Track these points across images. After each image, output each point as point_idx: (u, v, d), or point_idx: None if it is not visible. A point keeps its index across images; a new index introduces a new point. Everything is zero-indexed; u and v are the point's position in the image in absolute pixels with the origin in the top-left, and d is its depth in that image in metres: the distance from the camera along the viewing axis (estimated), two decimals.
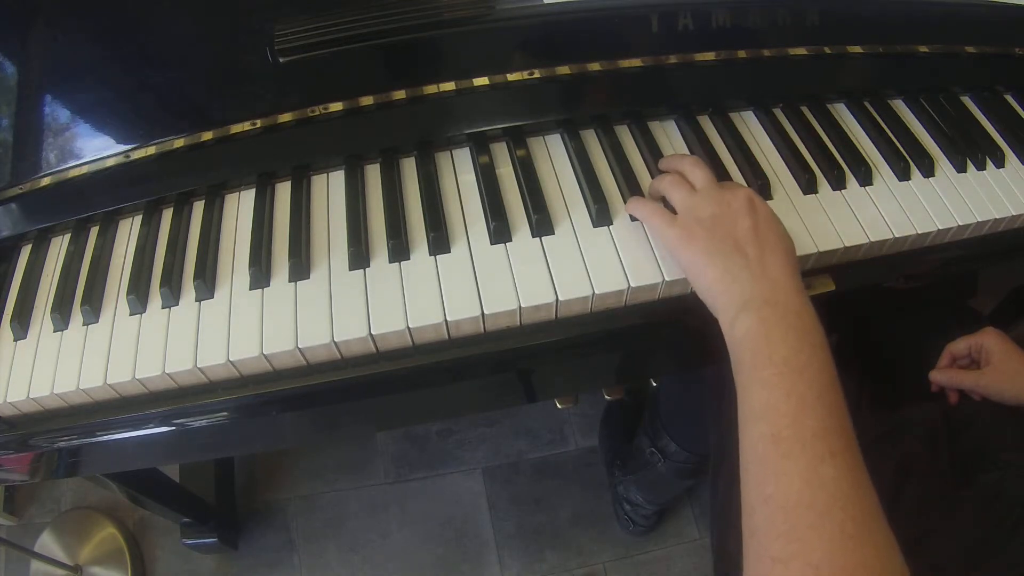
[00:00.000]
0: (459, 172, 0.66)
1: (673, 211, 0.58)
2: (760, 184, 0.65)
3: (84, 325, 0.60)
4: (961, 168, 0.70)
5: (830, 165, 0.67)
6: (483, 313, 0.57)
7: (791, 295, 0.51)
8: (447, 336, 0.59)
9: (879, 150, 0.71)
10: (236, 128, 0.63)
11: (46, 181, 0.64)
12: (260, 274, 0.59)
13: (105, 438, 0.60)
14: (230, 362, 0.56)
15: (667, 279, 0.59)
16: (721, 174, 0.65)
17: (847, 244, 0.62)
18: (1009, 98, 0.79)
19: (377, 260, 0.60)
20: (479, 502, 1.41)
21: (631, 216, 0.62)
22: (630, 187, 0.64)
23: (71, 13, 0.64)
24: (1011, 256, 0.72)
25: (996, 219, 0.67)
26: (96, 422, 0.59)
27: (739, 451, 0.47)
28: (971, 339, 0.76)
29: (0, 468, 0.66)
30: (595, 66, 0.67)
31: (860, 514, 0.42)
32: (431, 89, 0.65)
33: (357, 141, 0.66)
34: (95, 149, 0.63)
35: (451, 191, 0.65)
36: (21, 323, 0.60)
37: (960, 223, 0.66)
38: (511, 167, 0.66)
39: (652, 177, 0.66)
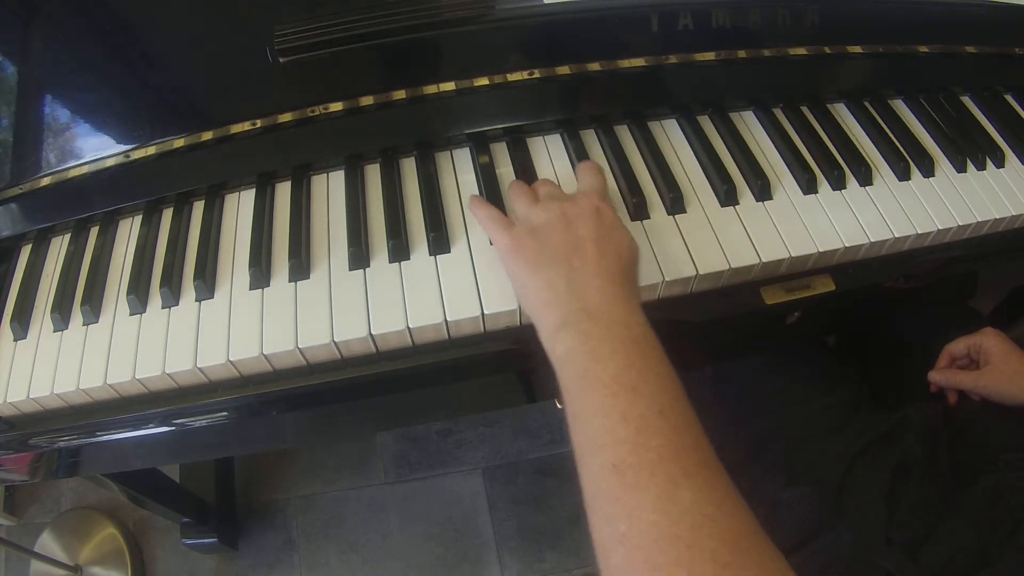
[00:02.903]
0: (459, 172, 0.66)
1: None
2: (760, 184, 0.65)
3: (84, 325, 0.60)
4: (961, 168, 0.70)
5: (830, 165, 0.67)
6: (483, 313, 0.57)
7: (618, 304, 0.46)
8: (447, 336, 0.59)
9: (879, 150, 0.70)
10: (236, 128, 0.63)
11: (46, 181, 0.64)
12: (260, 274, 0.59)
13: (105, 438, 0.60)
14: (230, 362, 0.56)
15: (667, 279, 0.59)
16: (720, 174, 0.65)
17: (847, 244, 0.62)
18: (1009, 98, 0.79)
19: (377, 260, 0.60)
20: (479, 502, 1.41)
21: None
22: (630, 187, 0.64)
23: (71, 13, 0.64)
24: (1011, 256, 0.72)
25: (996, 219, 0.67)
26: (96, 422, 0.59)
27: (582, 489, 0.41)
28: (970, 339, 0.76)
29: (0, 468, 0.66)
30: (595, 66, 0.67)
31: (731, 535, 0.37)
32: (431, 89, 0.65)
33: (357, 141, 0.66)
34: (95, 149, 0.63)
35: (451, 191, 0.65)
36: (21, 323, 0.60)
37: (960, 223, 0.66)
38: (511, 167, 0.66)
39: (652, 177, 0.66)
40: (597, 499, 0.40)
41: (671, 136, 0.70)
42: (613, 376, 0.43)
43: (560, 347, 0.46)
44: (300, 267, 0.59)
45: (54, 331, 0.60)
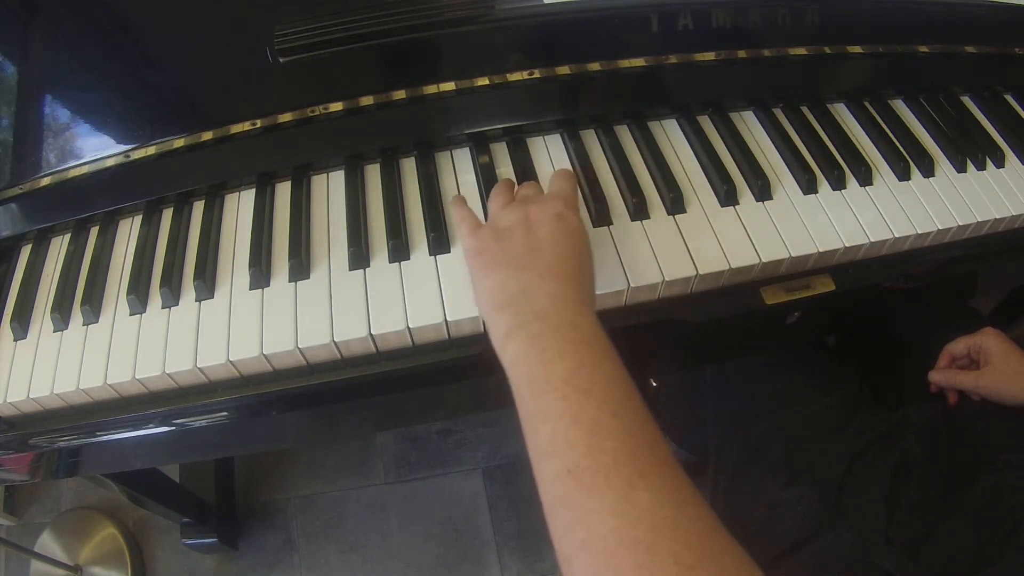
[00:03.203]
0: (459, 172, 0.66)
1: None
2: (760, 184, 0.65)
3: (84, 325, 0.60)
4: (961, 168, 0.70)
5: (830, 165, 0.67)
6: None
7: (568, 306, 0.46)
8: (447, 336, 0.59)
9: (879, 150, 0.71)
10: (236, 128, 0.63)
11: (46, 181, 0.64)
12: (260, 274, 0.59)
13: (105, 438, 0.60)
14: (230, 362, 0.56)
15: (667, 279, 0.59)
16: (720, 174, 0.65)
17: (847, 244, 0.62)
18: (1009, 98, 0.79)
19: (377, 260, 0.60)
20: (479, 502, 1.41)
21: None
22: (630, 187, 0.64)
23: (71, 13, 0.64)
24: (1011, 256, 0.72)
25: (996, 219, 0.67)
26: (96, 422, 0.59)
27: (541, 498, 0.41)
28: (970, 340, 0.76)
29: (0, 468, 0.66)
30: (595, 66, 0.67)
31: (694, 537, 0.36)
32: (431, 89, 0.65)
33: (357, 141, 0.66)
34: (95, 149, 0.63)
35: (451, 191, 0.65)
36: (21, 323, 0.60)
37: (960, 223, 0.66)
38: (511, 167, 0.66)
39: (652, 177, 0.66)
40: (554, 506, 0.40)
41: (671, 136, 0.70)
42: (563, 378, 0.42)
43: (510, 350, 0.45)
44: (300, 267, 0.59)
45: (54, 331, 0.60)
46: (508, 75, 0.65)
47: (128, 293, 0.60)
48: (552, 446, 0.40)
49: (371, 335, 0.56)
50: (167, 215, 0.66)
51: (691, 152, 0.69)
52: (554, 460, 0.40)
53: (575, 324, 0.45)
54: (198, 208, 0.66)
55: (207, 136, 0.64)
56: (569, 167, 0.66)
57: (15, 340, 0.60)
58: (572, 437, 0.40)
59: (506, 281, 0.48)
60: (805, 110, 0.73)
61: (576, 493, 0.38)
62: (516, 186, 0.60)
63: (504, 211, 0.54)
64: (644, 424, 0.41)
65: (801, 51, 0.71)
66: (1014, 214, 0.67)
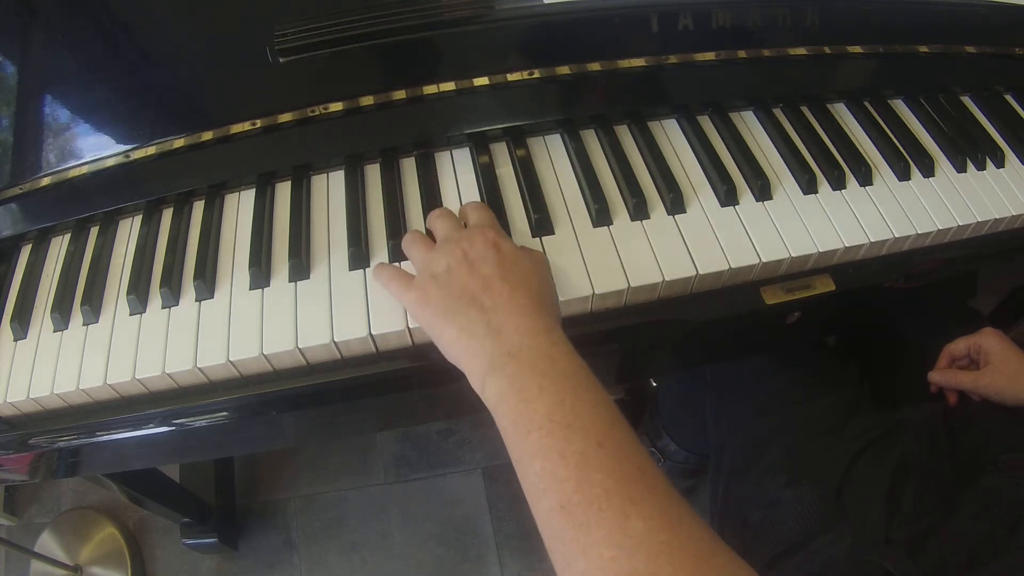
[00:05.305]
0: (459, 172, 0.66)
1: None
2: (760, 184, 0.65)
3: (84, 325, 0.60)
4: (961, 168, 0.70)
5: (830, 165, 0.67)
6: None
7: (538, 338, 0.45)
8: None
9: (879, 150, 0.71)
10: (236, 128, 0.63)
11: (46, 181, 0.64)
12: (260, 274, 0.59)
13: (105, 438, 0.60)
14: (230, 362, 0.56)
15: (667, 279, 0.59)
16: (720, 174, 0.65)
17: (847, 244, 0.62)
18: (1009, 98, 0.79)
19: (377, 260, 0.60)
20: (479, 502, 1.41)
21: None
22: (630, 187, 0.64)
23: (71, 13, 0.64)
24: (1011, 256, 0.72)
25: (996, 219, 0.67)
26: (96, 422, 0.59)
27: (540, 532, 0.41)
28: (970, 340, 0.76)
29: (0, 468, 0.66)
30: (595, 66, 0.67)
31: (691, 560, 0.37)
32: (431, 89, 0.65)
33: (357, 141, 0.66)
34: (95, 149, 0.63)
35: (451, 191, 0.65)
36: (21, 323, 0.60)
37: (960, 223, 0.66)
38: (511, 167, 0.66)
39: (652, 177, 0.66)
40: (553, 542, 0.40)
41: (671, 136, 0.70)
42: (546, 415, 0.42)
43: (490, 393, 0.45)
44: (300, 267, 0.59)
45: (54, 331, 0.60)
46: (508, 75, 0.65)
47: (128, 293, 0.60)
48: (543, 483, 0.41)
49: (371, 335, 0.56)
50: (167, 215, 0.66)
51: (691, 152, 0.69)
52: (547, 497, 0.40)
53: (550, 356, 0.45)
54: (198, 208, 0.66)
55: (207, 136, 0.64)
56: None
57: (15, 340, 0.60)
58: (561, 473, 0.40)
59: (468, 325, 0.47)
60: (805, 110, 0.73)
61: (571, 528, 0.39)
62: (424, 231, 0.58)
63: (435, 255, 0.52)
64: (631, 450, 0.41)
65: (801, 51, 0.71)
66: (1014, 214, 0.68)
